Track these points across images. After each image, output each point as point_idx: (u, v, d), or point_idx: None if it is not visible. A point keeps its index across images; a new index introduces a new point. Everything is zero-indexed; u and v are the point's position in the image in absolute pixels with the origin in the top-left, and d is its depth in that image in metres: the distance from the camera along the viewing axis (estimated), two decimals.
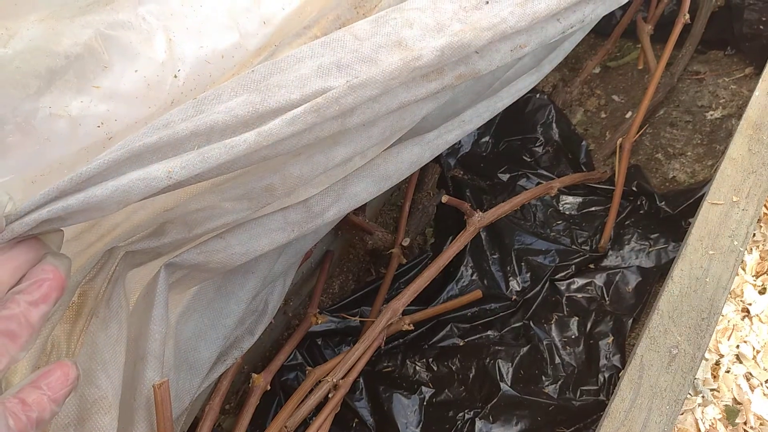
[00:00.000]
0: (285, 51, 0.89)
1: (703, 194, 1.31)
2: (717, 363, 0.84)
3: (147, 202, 0.69)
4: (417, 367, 1.21)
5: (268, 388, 1.00)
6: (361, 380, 1.16)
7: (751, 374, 0.84)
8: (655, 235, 1.34)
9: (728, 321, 0.87)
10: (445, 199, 1.28)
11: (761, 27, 1.48)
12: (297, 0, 0.89)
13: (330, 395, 0.97)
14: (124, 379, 0.66)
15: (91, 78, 0.72)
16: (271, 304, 0.95)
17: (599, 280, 1.29)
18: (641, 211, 1.39)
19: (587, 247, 1.36)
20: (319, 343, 1.24)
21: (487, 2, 0.79)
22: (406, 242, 1.31)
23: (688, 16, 1.45)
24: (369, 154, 0.91)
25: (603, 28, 1.57)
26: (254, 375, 0.97)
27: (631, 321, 1.21)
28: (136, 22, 0.73)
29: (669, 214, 1.34)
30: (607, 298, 1.27)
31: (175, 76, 0.75)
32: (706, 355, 0.82)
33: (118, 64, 0.73)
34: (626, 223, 1.38)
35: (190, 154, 0.58)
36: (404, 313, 1.15)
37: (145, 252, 0.70)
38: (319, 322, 1.15)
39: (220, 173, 0.64)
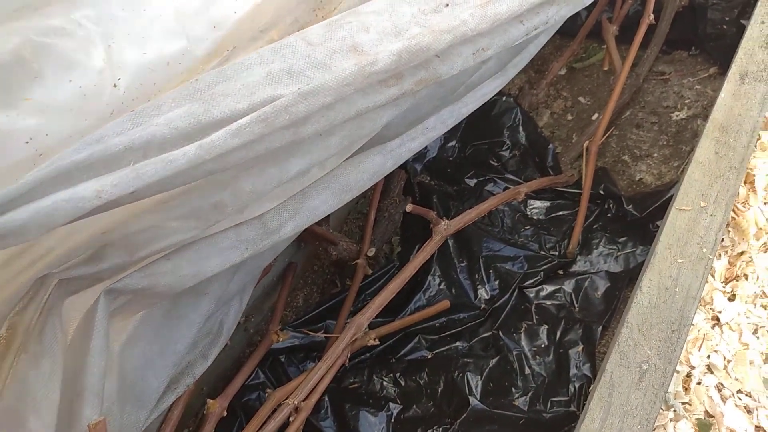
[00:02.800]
0: (241, 56, 0.84)
1: (671, 196, 1.31)
2: (688, 375, 0.82)
3: (83, 224, 0.63)
4: (384, 383, 1.17)
5: (225, 414, 0.95)
6: (326, 398, 1.12)
7: (722, 385, 0.83)
8: (623, 238, 1.32)
9: (698, 330, 0.85)
10: (409, 208, 1.25)
11: (725, 26, 1.48)
12: (249, 3, 0.84)
13: (291, 419, 0.92)
14: (58, 419, 0.60)
15: (19, 89, 0.66)
16: (227, 325, 0.90)
17: (568, 286, 1.27)
18: (609, 215, 1.37)
19: (556, 253, 1.34)
20: (283, 360, 1.19)
21: (447, 5, 0.76)
22: (371, 252, 1.27)
23: (652, 16, 1.44)
24: (328, 165, 0.86)
25: (568, 28, 1.55)
26: (209, 401, 0.92)
27: (600, 328, 1.19)
28: (71, 28, 0.67)
29: (636, 218, 1.33)
30: (576, 305, 1.25)
31: (115, 86, 0.69)
32: (677, 367, 0.79)
33: (50, 73, 0.67)
34: (594, 227, 1.36)
35: (123, 171, 0.53)
36: (370, 326, 1.11)
37: (83, 278, 0.64)
38: (281, 339, 1.10)
39: (161, 190, 0.59)
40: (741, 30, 1.43)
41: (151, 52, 0.73)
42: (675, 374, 0.77)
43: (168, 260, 0.70)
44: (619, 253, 1.31)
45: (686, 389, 0.82)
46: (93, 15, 0.69)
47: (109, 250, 0.64)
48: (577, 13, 1.38)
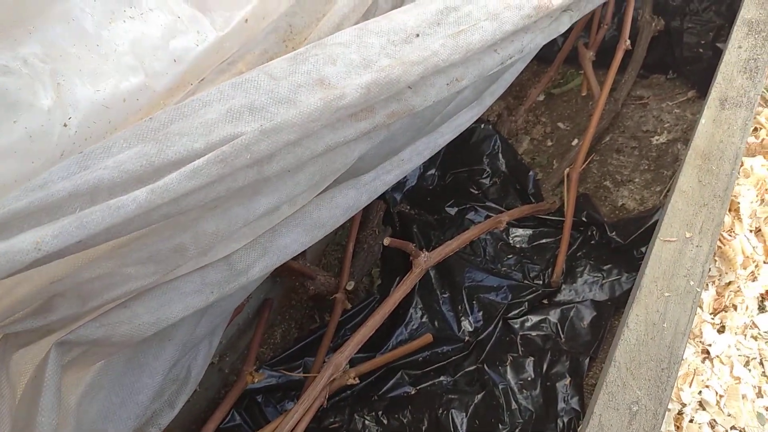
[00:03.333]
0: (208, 89, 0.80)
1: (654, 223, 1.28)
2: (680, 413, 0.79)
3: (29, 274, 0.59)
4: (366, 422, 1.12)
5: None
6: None
7: (715, 421, 0.79)
8: (608, 266, 1.29)
9: (688, 365, 0.81)
10: (387, 241, 1.21)
11: (701, 50, 1.47)
12: (212, 35, 0.81)
13: None
14: None
15: None
16: (195, 371, 0.85)
17: (553, 316, 1.24)
18: (592, 242, 1.35)
19: (540, 282, 1.31)
20: (260, 400, 1.14)
21: (418, 35, 0.73)
22: (350, 286, 1.23)
23: (629, 41, 1.43)
24: (298, 201, 0.83)
25: (545, 54, 1.54)
26: None
27: (587, 360, 1.15)
28: (15, 66, 0.64)
29: (620, 244, 1.30)
30: (562, 336, 1.21)
31: (65, 125, 0.66)
32: (668, 405, 0.76)
33: None
34: (578, 254, 1.33)
35: (65, 220, 0.49)
36: (351, 362, 1.06)
37: (31, 332, 0.60)
38: (256, 380, 1.06)
39: (111, 237, 0.55)
40: (717, 53, 1.42)
41: (105, 88, 0.69)
42: (666, 412, 0.74)
43: (125, 308, 0.65)
44: (604, 281, 1.28)
45: (678, 428, 0.79)
46: (40, 52, 0.65)
47: (59, 300, 0.60)
48: (554, 39, 1.38)
